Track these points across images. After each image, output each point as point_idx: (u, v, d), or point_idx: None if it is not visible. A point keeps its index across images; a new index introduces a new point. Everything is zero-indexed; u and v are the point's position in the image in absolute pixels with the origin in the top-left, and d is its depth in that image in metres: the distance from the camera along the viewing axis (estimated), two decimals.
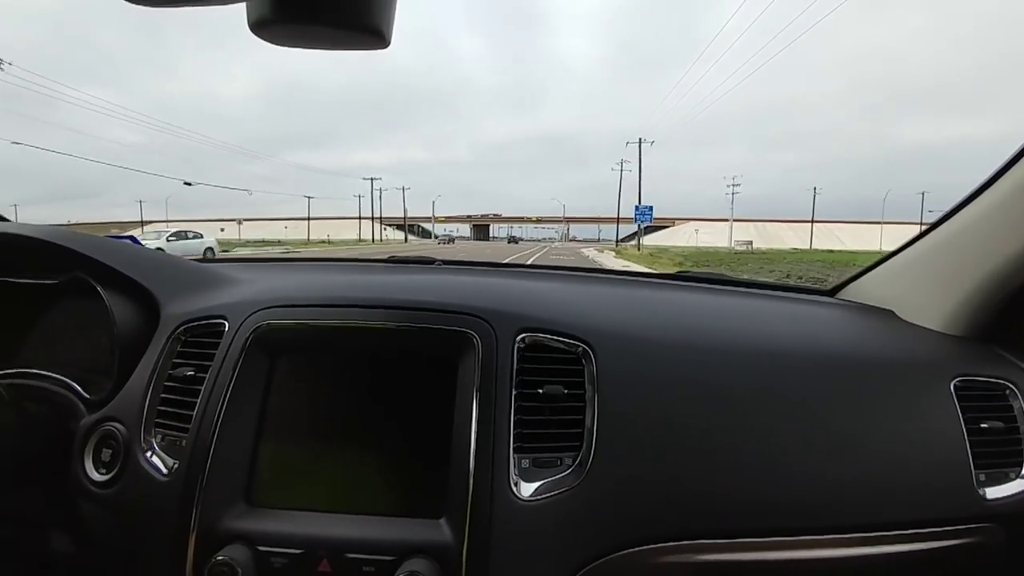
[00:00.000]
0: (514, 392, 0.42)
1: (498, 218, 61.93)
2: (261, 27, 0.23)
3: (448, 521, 0.39)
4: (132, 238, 0.60)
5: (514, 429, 0.41)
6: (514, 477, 0.40)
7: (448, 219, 57.24)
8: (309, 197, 38.80)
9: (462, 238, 60.49)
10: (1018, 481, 0.46)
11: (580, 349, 0.45)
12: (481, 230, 69.06)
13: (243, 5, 0.22)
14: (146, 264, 0.54)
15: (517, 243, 37.81)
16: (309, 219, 38.56)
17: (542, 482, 0.40)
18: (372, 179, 40.66)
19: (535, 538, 0.40)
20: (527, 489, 0.40)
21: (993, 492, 0.45)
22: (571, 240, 59.17)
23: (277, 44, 0.25)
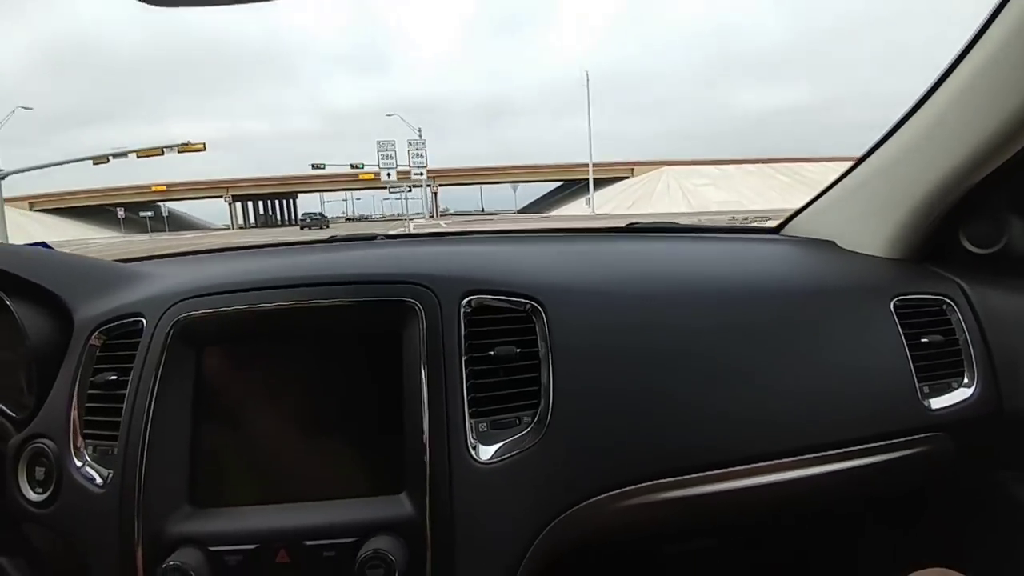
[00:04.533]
0: (464, 357, 0.71)
1: (300, 180, 57.37)
2: None
3: (408, 495, 0.66)
4: (44, 244, 0.95)
5: (468, 394, 0.70)
6: (472, 442, 0.68)
7: (192, 187, 51.41)
8: None
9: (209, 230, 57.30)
10: (960, 390, 0.85)
11: (529, 307, 0.76)
12: (268, 207, 64.77)
13: None
14: (51, 268, 0.83)
15: (323, 227, 36.31)
16: None
17: (502, 443, 0.69)
18: None
19: (499, 500, 0.68)
20: (486, 452, 0.68)
21: (937, 402, 0.83)
22: (446, 214, 58.95)
23: (160, 4, 0.37)
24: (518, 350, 0.73)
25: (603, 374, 0.75)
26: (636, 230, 1.29)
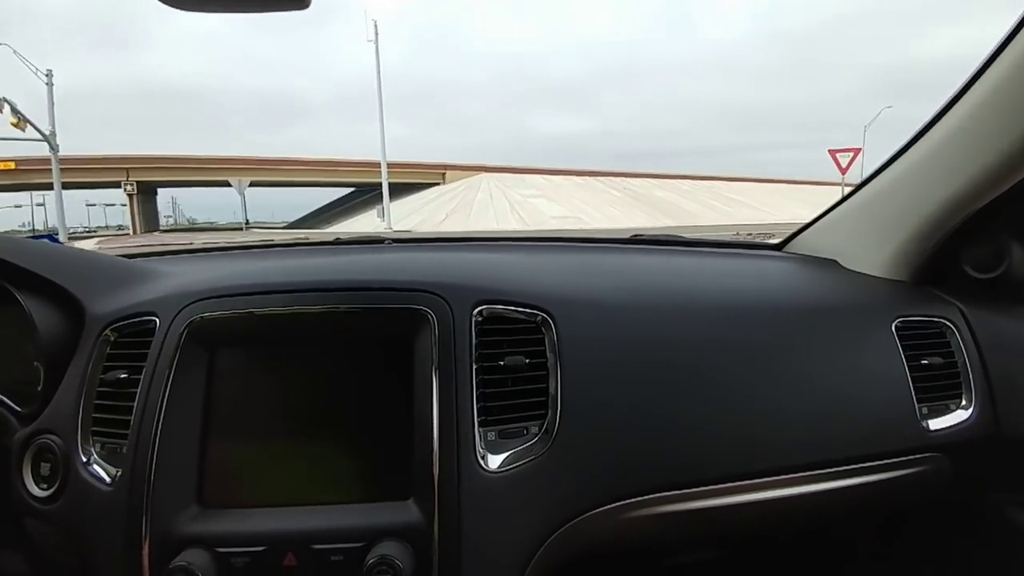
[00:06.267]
0: (475, 366, 0.90)
1: None
2: None
3: (416, 501, 0.83)
4: (51, 236, 0.71)
5: (477, 403, 0.89)
6: (480, 450, 0.87)
7: None
8: None
9: None
10: (958, 412, 1.10)
11: (539, 318, 0.97)
12: None
13: None
14: (64, 263, 1.03)
15: None
16: None
17: (509, 453, 0.88)
18: None
19: (506, 509, 0.86)
20: (494, 461, 0.87)
21: (935, 423, 1.08)
22: (157, 230, 47.97)
23: (187, 9, 0.55)
24: (527, 360, 0.93)
25: (609, 387, 0.96)
26: (641, 241, 1.56)
